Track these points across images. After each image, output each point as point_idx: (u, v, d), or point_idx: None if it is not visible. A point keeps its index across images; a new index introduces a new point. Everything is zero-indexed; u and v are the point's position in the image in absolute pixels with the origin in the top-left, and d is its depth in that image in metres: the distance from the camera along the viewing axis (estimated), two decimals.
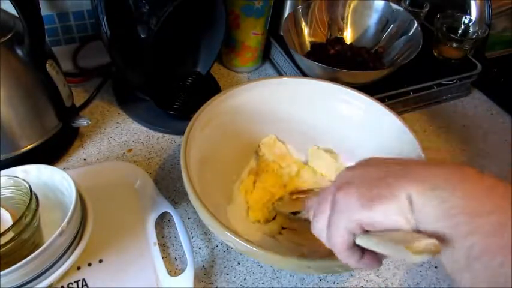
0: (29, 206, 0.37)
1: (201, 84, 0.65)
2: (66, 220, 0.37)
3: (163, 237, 0.48)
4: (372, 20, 0.71)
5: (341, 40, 0.71)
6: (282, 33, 0.65)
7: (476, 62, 0.71)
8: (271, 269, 0.47)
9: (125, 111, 0.64)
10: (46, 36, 0.49)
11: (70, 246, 0.39)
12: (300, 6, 0.68)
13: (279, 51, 0.71)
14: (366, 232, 0.28)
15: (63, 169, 0.42)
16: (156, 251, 0.45)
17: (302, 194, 0.50)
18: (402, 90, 0.65)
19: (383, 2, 0.69)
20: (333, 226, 0.29)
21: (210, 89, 0.65)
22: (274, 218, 0.50)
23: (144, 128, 0.62)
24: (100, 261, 0.44)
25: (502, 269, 0.23)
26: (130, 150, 0.58)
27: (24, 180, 0.40)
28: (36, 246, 0.37)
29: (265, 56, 0.76)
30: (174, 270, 0.45)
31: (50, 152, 0.55)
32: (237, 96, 0.51)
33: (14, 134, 0.50)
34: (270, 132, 0.56)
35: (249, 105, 0.53)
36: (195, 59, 0.66)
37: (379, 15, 0.70)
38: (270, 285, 0.45)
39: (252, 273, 0.46)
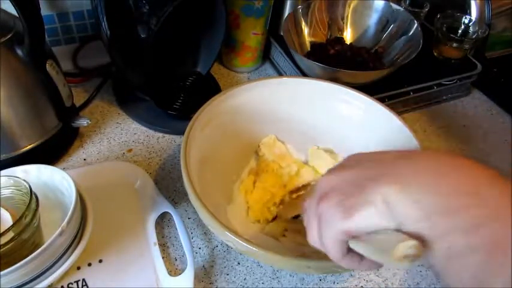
0: (29, 206, 0.37)
1: (201, 84, 0.65)
2: (66, 220, 0.37)
3: (163, 237, 0.48)
4: (372, 20, 0.71)
5: (341, 40, 0.71)
6: (282, 33, 0.65)
7: (476, 62, 0.71)
8: (271, 269, 0.47)
9: (125, 111, 0.64)
10: (46, 36, 0.49)
11: (70, 246, 0.39)
12: (300, 6, 0.68)
13: (279, 51, 0.71)
14: (357, 237, 0.28)
15: (63, 169, 0.42)
16: (156, 251, 0.45)
17: (301, 191, 0.50)
18: (402, 90, 0.65)
19: (383, 2, 0.69)
20: (323, 238, 0.30)
21: (210, 89, 0.65)
22: (275, 218, 0.50)
23: (144, 128, 0.62)
24: (100, 261, 0.44)
25: (482, 267, 0.22)
26: (130, 150, 0.58)
27: (24, 180, 0.40)
28: (36, 246, 0.37)
29: (265, 56, 0.76)
30: (174, 270, 0.45)
31: (50, 152, 0.55)
32: (237, 96, 0.51)
33: (14, 134, 0.50)
34: (270, 132, 0.56)
35: (249, 105, 0.53)
36: (195, 59, 0.66)
37: (379, 15, 0.70)
38: (270, 285, 0.45)
39: (252, 273, 0.46)
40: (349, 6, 0.71)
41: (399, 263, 0.25)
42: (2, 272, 0.34)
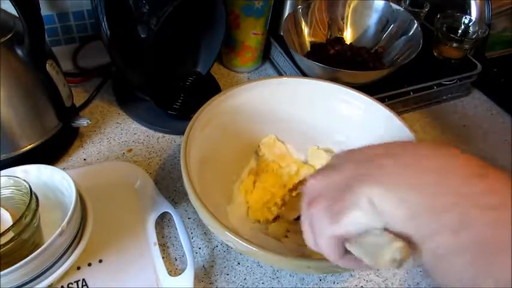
0: (29, 206, 0.37)
1: (201, 84, 0.65)
2: (66, 220, 0.37)
3: (163, 237, 0.48)
4: (372, 20, 0.71)
5: (341, 40, 0.71)
6: (282, 33, 0.65)
7: (476, 62, 0.71)
8: (271, 269, 0.47)
9: (125, 111, 0.64)
10: (46, 36, 0.49)
11: (70, 246, 0.39)
12: (300, 6, 0.68)
13: (279, 51, 0.71)
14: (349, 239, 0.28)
15: (63, 169, 0.42)
16: (156, 251, 0.45)
17: (300, 186, 0.50)
18: (402, 90, 0.65)
19: (383, 2, 0.69)
20: (318, 241, 0.30)
21: (210, 89, 0.65)
22: (276, 219, 0.50)
23: (144, 128, 0.62)
24: (100, 261, 0.44)
25: (472, 267, 0.22)
26: (130, 150, 0.58)
27: (24, 180, 0.40)
28: (36, 246, 0.37)
29: (265, 56, 0.76)
30: (174, 270, 0.45)
31: (50, 152, 0.55)
32: (237, 96, 0.51)
33: (14, 134, 0.50)
34: (270, 132, 0.56)
35: (249, 105, 0.53)
36: (195, 59, 0.66)
37: (379, 15, 0.70)
38: (270, 285, 0.45)
39: (252, 273, 0.46)
40: (349, 6, 0.71)
41: (385, 267, 0.25)
42: (2, 272, 0.34)
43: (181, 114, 0.61)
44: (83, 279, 0.42)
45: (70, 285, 0.42)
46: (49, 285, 0.38)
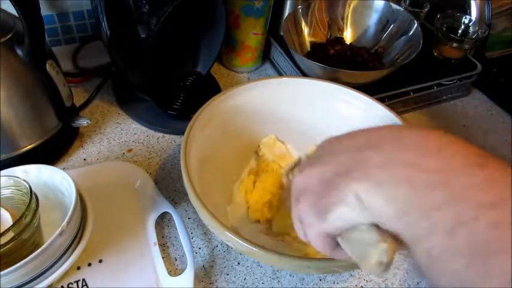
0: (29, 206, 0.37)
1: (201, 84, 0.65)
2: (66, 220, 0.37)
3: (163, 237, 0.48)
4: (372, 20, 0.71)
5: (341, 40, 0.71)
6: (282, 33, 0.65)
7: (476, 62, 0.71)
8: (271, 269, 0.47)
9: (125, 111, 0.64)
10: (46, 36, 0.49)
11: (70, 246, 0.39)
12: (300, 6, 0.68)
13: (279, 51, 0.71)
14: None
15: (63, 169, 0.42)
16: (156, 251, 0.45)
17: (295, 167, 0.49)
18: (402, 90, 0.65)
19: (383, 2, 0.69)
20: (309, 238, 0.29)
21: (210, 89, 0.65)
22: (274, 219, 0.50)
23: (144, 128, 0.62)
24: (100, 261, 0.44)
25: (469, 270, 0.21)
26: (130, 150, 0.58)
27: (24, 180, 0.40)
28: (36, 246, 0.37)
29: (265, 56, 0.76)
30: (174, 270, 0.45)
31: (50, 152, 0.55)
32: (237, 96, 0.51)
33: (14, 134, 0.50)
34: (269, 132, 0.56)
35: (249, 105, 0.53)
36: (195, 59, 0.66)
37: (379, 15, 0.70)
38: (270, 285, 0.45)
39: (252, 273, 0.46)
40: (349, 6, 0.71)
41: (373, 270, 0.25)
42: (2, 272, 0.34)
43: (181, 114, 0.61)
44: (83, 279, 0.42)
45: (70, 285, 0.42)
46: (49, 285, 0.38)
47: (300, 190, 0.29)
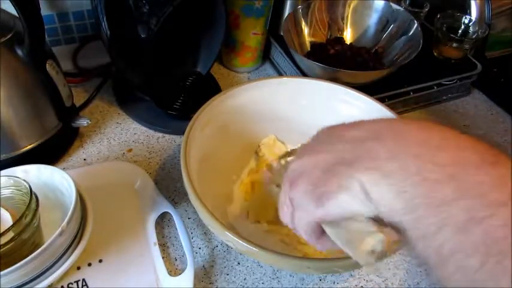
0: (29, 206, 0.37)
1: (201, 84, 0.65)
2: (66, 220, 0.37)
3: (163, 237, 0.48)
4: (372, 20, 0.71)
5: (341, 40, 0.71)
6: (282, 33, 0.65)
7: (476, 62, 0.71)
8: (271, 269, 0.47)
9: (125, 111, 0.64)
10: (46, 36, 0.49)
11: (70, 246, 0.39)
12: (300, 6, 0.68)
13: (279, 51, 0.71)
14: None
15: (63, 169, 0.42)
16: (156, 251, 0.45)
17: (290, 156, 0.49)
18: (402, 90, 0.65)
19: (383, 2, 0.69)
20: (296, 222, 0.29)
21: (210, 89, 0.65)
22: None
23: (144, 128, 0.62)
24: (100, 261, 0.44)
25: (482, 269, 0.20)
26: (130, 150, 0.58)
27: (24, 180, 0.40)
28: (36, 246, 0.37)
29: (265, 56, 0.76)
30: (174, 270, 0.45)
31: (50, 152, 0.55)
32: (237, 96, 0.51)
33: (14, 134, 0.50)
34: (270, 132, 0.56)
35: (249, 105, 0.53)
36: (195, 59, 0.66)
37: (379, 15, 0.70)
38: (270, 285, 0.45)
39: (252, 273, 0.46)
40: (349, 6, 0.71)
41: (364, 258, 0.24)
42: (2, 272, 0.34)
43: (181, 114, 0.61)
44: (83, 279, 0.42)
45: (70, 285, 0.42)
46: (49, 285, 0.38)
47: (297, 174, 0.28)
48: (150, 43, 0.52)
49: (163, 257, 0.45)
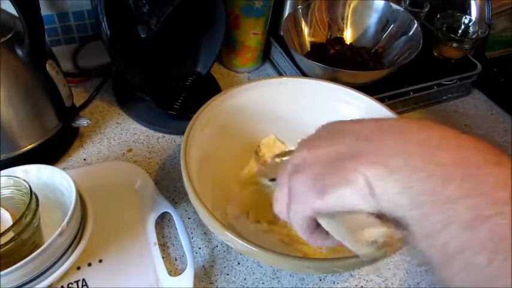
0: (29, 206, 0.37)
1: (201, 84, 0.65)
2: (66, 220, 0.37)
3: (163, 237, 0.48)
4: (372, 20, 0.71)
5: (341, 40, 0.71)
6: (282, 33, 0.65)
7: (476, 62, 0.71)
8: (271, 269, 0.47)
9: (125, 111, 0.64)
10: (46, 36, 0.49)
11: (70, 246, 0.39)
12: (300, 6, 0.68)
13: (279, 51, 0.71)
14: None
15: (63, 169, 0.42)
16: (156, 251, 0.45)
17: (286, 156, 0.49)
18: (402, 90, 0.65)
19: (383, 2, 0.69)
20: (291, 214, 0.28)
21: (210, 89, 0.65)
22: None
23: (144, 128, 0.62)
24: (100, 261, 0.44)
25: (489, 268, 0.20)
26: (130, 150, 0.58)
27: (24, 180, 0.40)
28: (36, 246, 0.37)
29: (265, 56, 0.76)
30: (174, 270, 0.45)
31: (50, 152, 0.55)
32: (237, 96, 0.51)
33: (14, 134, 0.50)
34: (269, 132, 0.56)
35: (249, 105, 0.53)
36: (195, 59, 0.66)
37: (379, 15, 0.70)
38: (270, 285, 0.45)
39: (252, 273, 0.46)
40: (349, 6, 0.71)
41: (361, 249, 0.24)
42: (2, 272, 0.34)
43: (181, 114, 0.61)
44: (83, 279, 0.42)
45: (70, 285, 0.42)
46: (49, 285, 0.38)
47: (298, 166, 0.28)
48: (150, 43, 0.52)
49: (163, 257, 0.45)
